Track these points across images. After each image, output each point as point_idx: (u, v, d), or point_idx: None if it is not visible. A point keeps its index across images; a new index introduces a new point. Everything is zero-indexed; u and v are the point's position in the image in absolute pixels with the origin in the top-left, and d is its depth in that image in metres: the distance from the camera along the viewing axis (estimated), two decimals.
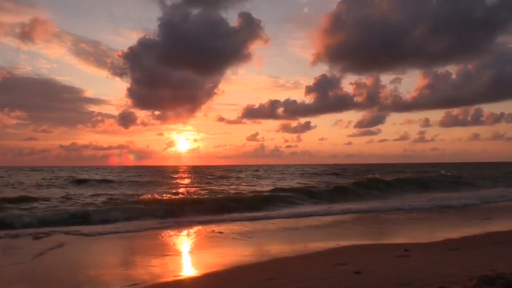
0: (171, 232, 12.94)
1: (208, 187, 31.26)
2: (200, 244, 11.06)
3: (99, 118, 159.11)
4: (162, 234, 12.64)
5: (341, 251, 9.46)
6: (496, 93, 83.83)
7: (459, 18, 60.32)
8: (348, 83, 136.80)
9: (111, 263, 8.92)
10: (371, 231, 13.51)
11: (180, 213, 17.01)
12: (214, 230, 12.88)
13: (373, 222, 15.29)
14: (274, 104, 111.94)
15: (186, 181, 43.07)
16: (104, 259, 9.30)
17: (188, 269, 8.41)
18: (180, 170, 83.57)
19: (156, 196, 20.57)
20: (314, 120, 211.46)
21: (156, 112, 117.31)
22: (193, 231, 13.10)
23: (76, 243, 11.06)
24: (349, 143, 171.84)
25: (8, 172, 64.73)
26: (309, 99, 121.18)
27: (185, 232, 13.02)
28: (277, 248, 10.16)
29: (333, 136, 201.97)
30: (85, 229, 13.03)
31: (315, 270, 7.31)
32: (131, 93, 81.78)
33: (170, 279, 7.31)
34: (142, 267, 8.16)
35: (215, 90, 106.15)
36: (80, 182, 36.05)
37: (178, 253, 9.93)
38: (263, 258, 8.97)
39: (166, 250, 10.06)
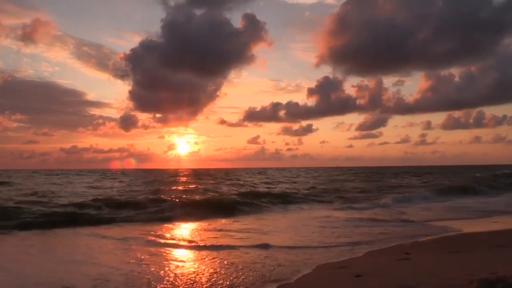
0: None
1: None
2: None
3: (100, 121, 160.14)
4: None
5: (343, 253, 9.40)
6: (499, 95, 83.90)
7: (464, 20, 60.35)
8: (351, 86, 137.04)
9: None
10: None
11: None
12: None
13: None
14: (276, 106, 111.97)
15: None
16: None
17: None
18: (213, 174, 77.58)
19: None
20: (315, 123, 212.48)
21: (158, 115, 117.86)
22: None
23: None
24: (350, 146, 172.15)
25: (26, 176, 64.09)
26: (311, 102, 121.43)
27: None
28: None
29: (334, 139, 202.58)
30: None
31: (315, 272, 7.29)
32: (133, 95, 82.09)
33: None
34: None
35: (218, 93, 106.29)
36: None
37: None
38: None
39: None
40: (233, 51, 70.05)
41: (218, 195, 23.99)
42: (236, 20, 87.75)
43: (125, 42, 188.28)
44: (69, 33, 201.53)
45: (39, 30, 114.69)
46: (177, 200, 19.97)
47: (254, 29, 74.52)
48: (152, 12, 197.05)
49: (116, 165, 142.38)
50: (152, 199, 20.09)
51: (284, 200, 22.40)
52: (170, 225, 14.45)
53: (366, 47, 66.07)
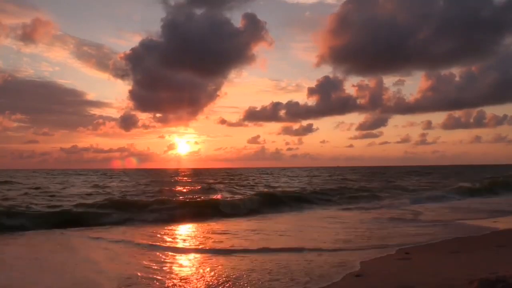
0: None
1: None
2: None
3: (100, 121, 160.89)
4: None
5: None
6: (500, 95, 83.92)
7: (465, 19, 60.31)
8: (351, 85, 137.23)
9: None
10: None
11: None
12: None
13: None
14: (276, 106, 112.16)
15: None
16: None
17: None
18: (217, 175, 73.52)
19: None
20: (316, 123, 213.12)
21: (158, 115, 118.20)
22: None
23: None
24: (351, 146, 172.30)
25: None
26: (311, 101, 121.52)
27: None
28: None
29: (334, 138, 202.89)
30: None
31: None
32: (133, 95, 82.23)
33: None
34: None
35: (218, 93, 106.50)
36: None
37: None
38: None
39: None
40: (233, 51, 70.20)
41: (232, 196, 23.71)
42: (237, 19, 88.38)
43: (125, 42, 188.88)
44: (69, 33, 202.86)
45: (39, 30, 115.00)
46: (193, 200, 19.66)
47: (254, 28, 74.70)
48: (152, 11, 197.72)
49: (117, 164, 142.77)
50: (163, 199, 19.37)
51: (298, 200, 21.94)
52: (186, 227, 14.04)
53: (366, 46, 66.22)
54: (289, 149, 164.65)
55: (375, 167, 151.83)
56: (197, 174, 72.26)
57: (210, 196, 23.17)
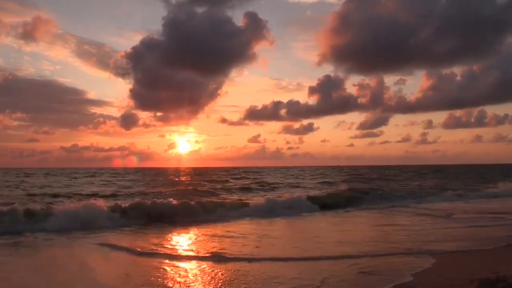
0: None
1: None
2: None
3: (101, 119, 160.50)
4: None
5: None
6: (501, 94, 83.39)
7: (467, 18, 60.05)
8: (352, 85, 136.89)
9: None
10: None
11: None
12: None
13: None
14: (277, 105, 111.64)
15: None
16: None
17: None
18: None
19: None
20: (316, 122, 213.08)
21: (158, 114, 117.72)
22: None
23: None
24: (351, 145, 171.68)
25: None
26: (312, 101, 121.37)
27: None
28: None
29: (335, 138, 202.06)
30: None
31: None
32: (134, 94, 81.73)
33: None
34: None
35: (219, 92, 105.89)
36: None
37: None
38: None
39: None
40: (234, 50, 69.82)
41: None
42: (238, 18, 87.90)
43: (126, 41, 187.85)
44: (70, 32, 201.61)
45: (40, 28, 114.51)
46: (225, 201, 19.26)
47: (255, 27, 74.22)
48: (153, 10, 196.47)
49: (117, 163, 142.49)
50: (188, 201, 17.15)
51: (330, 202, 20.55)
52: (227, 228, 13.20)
53: (367, 45, 65.74)
54: (290, 148, 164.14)
55: (376, 167, 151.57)
56: (203, 173, 71.73)
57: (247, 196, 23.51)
